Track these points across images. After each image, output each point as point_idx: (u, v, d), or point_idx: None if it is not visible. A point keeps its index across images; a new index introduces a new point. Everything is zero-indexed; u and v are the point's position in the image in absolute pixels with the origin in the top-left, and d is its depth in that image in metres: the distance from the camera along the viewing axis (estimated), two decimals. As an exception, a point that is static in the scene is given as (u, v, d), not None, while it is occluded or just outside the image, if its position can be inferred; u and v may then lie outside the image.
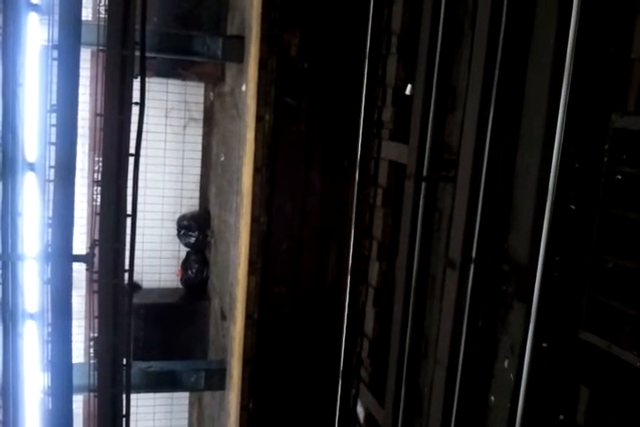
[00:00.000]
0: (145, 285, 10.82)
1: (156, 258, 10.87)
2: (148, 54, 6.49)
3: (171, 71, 9.71)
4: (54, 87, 5.79)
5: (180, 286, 10.98)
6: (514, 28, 4.09)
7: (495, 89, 4.18)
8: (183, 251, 10.91)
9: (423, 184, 5.15)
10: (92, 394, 6.44)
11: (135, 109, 6.11)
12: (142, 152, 6.39)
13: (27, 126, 6.21)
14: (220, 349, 9.18)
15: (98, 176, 6.13)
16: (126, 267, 6.24)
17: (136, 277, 8.07)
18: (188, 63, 9.53)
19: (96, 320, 6.26)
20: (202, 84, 10.62)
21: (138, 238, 6.55)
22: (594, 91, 3.67)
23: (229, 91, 9.24)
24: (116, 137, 5.93)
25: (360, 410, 6.90)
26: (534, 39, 3.96)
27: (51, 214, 5.91)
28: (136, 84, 6.10)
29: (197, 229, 10.62)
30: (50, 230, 5.94)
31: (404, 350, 5.44)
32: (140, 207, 6.48)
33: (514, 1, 4.07)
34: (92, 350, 7.23)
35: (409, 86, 5.86)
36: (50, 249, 5.95)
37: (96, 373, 6.30)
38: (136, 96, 6.11)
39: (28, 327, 6.35)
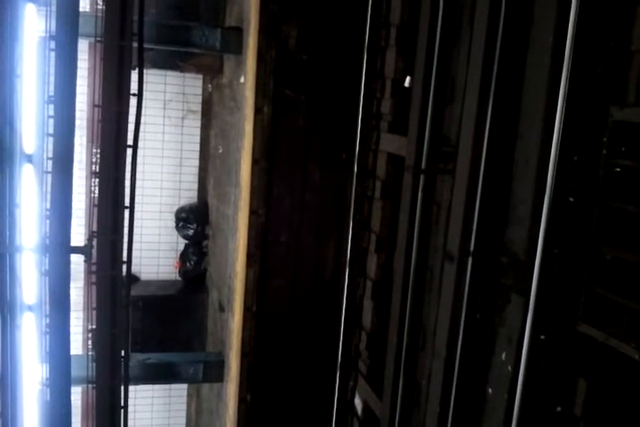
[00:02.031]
0: (143, 277, 10.83)
1: (154, 250, 10.87)
2: (146, 46, 6.46)
3: (169, 63, 9.68)
4: (52, 78, 5.77)
5: (178, 278, 10.99)
6: (513, 20, 4.07)
7: (494, 81, 4.17)
8: (181, 243, 10.91)
9: (422, 176, 5.14)
10: (90, 386, 6.44)
11: (133, 101, 6.09)
12: (140, 144, 6.37)
13: (24, 118, 6.19)
14: (218, 341, 9.19)
15: (96, 168, 6.12)
16: (124, 259, 6.23)
17: (134, 270, 8.09)
18: (186, 55, 9.50)
19: (94, 312, 6.26)
20: (200, 76, 10.60)
21: (136, 230, 6.54)
22: (593, 83, 3.66)
23: (228, 83, 9.22)
24: (114, 129, 5.91)
25: (358, 402, 6.92)
26: (533, 31, 3.95)
27: (48, 206, 5.89)
28: (134, 75, 6.07)
29: (196, 222, 10.62)
30: (48, 222, 5.93)
31: (401, 343, 5.45)
32: (138, 199, 6.47)
33: (513, -7, 4.06)
34: (90, 342, 7.24)
35: (408, 78, 5.85)
36: (48, 241, 5.94)
37: (94, 364, 6.30)
38: (134, 87, 6.09)
39: (26, 319, 6.34)
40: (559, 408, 3.95)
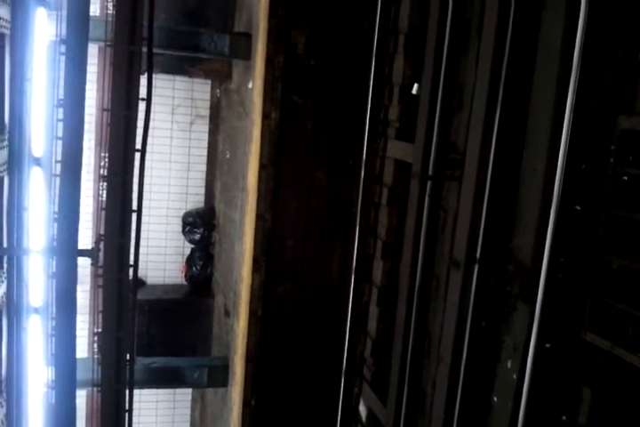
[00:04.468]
0: (149, 281, 10.85)
1: (160, 254, 10.89)
2: (155, 51, 6.49)
3: (178, 68, 9.73)
4: (62, 82, 5.80)
5: (184, 282, 11.01)
6: (521, 29, 4.08)
7: (502, 89, 4.18)
8: (188, 247, 10.93)
9: (429, 183, 5.15)
10: (95, 389, 6.46)
11: (142, 105, 6.12)
12: (148, 148, 6.39)
13: (34, 121, 6.23)
14: (224, 345, 9.19)
15: (104, 171, 6.15)
16: (131, 262, 6.25)
17: (141, 273, 8.10)
18: (195, 60, 9.54)
19: (100, 315, 6.27)
20: (208, 81, 10.64)
21: (143, 234, 6.56)
22: (601, 92, 3.66)
23: (236, 88, 9.25)
24: (123, 133, 5.94)
25: (362, 409, 6.90)
26: (541, 40, 3.95)
27: (56, 209, 5.92)
28: (143, 80, 6.10)
29: (202, 226, 10.64)
30: (55, 225, 5.96)
31: (407, 350, 5.44)
32: (145, 203, 6.49)
33: (521, 1, 4.06)
34: (95, 345, 7.26)
35: (416, 85, 5.86)
36: (55, 244, 5.97)
37: (99, 368, 6.32)
38: (143, 92, 6.12)
39: (32, 322, 6.37)
40: (564, 417, 3.93)
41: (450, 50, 4.98)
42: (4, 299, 6.33)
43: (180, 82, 10.39)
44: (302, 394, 7.91)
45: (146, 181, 6.50)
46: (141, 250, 6.49)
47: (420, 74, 5.56)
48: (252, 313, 7.72)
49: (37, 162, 6.38)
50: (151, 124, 6.42)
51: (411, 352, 5.42)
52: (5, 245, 6.25)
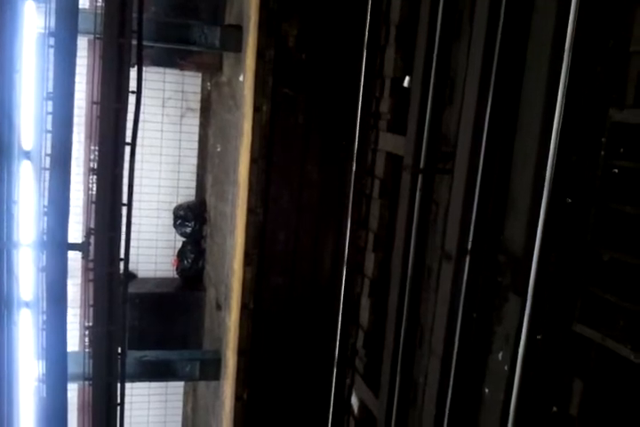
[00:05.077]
0: (140, 274, 10.83)
1: (151, 248, 10.87)
2: (145, 43, 6.46)
3: (168, 60, 9.68)
4: (51, 75, 5.77)
5: (175, 275, 10.99)
6: (512, 20, 4.08)
7: (493, 81, 4.17)
8: (179, 241, 10.91)
9: (420, 176, 5.15)
10: (86, 383, 6.45)
11: (132, 98, 6.09)
12: (139, 141, 6.37)
13: (23, 114, 6.18)
14: (216, 339, 9.19)
15: (94, 165, 6.12)
16: (122, 256, 6.23)
17: (132, 267, 8.09)
18: (185, 52, 9.50)
19: (91, 309, 6.26)
20: (199, 74, 10.60)
21: (134, 228, 6.54)
22: (592, 84, 3.66)
23: (227, 81, 9.21)
24: (113, 126, 5.91)
25: (354, 401, 6.92)
26: (533, 31, 3.95)
27: (46, 202, 5.89)
28: (133, 72, 6.08)
29: (194, 220, 10.62)
30: (45, 218, 5.93)
31: (398, 341, 5.46)
32: (136, 197, 6.48)
33: (513, -7, 4.06)
34: (86, 339, 7.24)
35: (407, 78, 5.85)
36: (45, 237, 5.94)
37: (91, 361, 6.31)
38: (133, 85, 6.09)
39: (22, 315, 6.34)
40: (555, 408, 3.95)
41: (441, 42, 4.97)
42: (-5, 293, 6.30)
43: (171, 75, 10.35)
44: (295, 387, 7.93)
45: (136, 174, 6.49)
46: (132, 243, 6.48)
47: (411, 66, 5.55)
48: (244, 306, 7.72)
49: (27, 155, 6.34)
50: (141, 117, 6.39)
51: (402, 344, 5.43)
52: (-5, 238, 6.21)
